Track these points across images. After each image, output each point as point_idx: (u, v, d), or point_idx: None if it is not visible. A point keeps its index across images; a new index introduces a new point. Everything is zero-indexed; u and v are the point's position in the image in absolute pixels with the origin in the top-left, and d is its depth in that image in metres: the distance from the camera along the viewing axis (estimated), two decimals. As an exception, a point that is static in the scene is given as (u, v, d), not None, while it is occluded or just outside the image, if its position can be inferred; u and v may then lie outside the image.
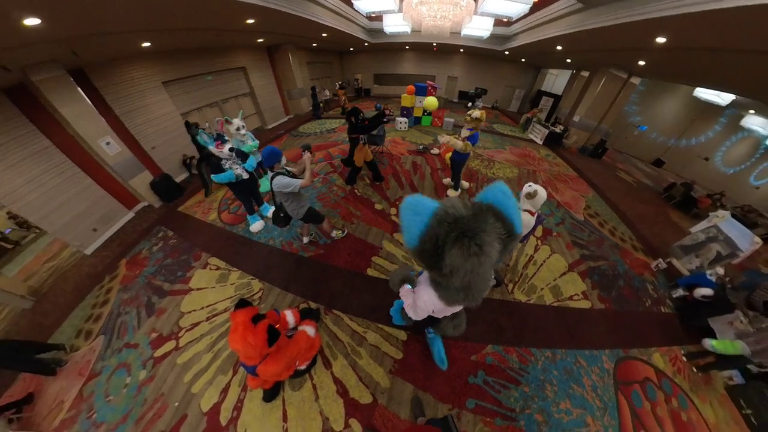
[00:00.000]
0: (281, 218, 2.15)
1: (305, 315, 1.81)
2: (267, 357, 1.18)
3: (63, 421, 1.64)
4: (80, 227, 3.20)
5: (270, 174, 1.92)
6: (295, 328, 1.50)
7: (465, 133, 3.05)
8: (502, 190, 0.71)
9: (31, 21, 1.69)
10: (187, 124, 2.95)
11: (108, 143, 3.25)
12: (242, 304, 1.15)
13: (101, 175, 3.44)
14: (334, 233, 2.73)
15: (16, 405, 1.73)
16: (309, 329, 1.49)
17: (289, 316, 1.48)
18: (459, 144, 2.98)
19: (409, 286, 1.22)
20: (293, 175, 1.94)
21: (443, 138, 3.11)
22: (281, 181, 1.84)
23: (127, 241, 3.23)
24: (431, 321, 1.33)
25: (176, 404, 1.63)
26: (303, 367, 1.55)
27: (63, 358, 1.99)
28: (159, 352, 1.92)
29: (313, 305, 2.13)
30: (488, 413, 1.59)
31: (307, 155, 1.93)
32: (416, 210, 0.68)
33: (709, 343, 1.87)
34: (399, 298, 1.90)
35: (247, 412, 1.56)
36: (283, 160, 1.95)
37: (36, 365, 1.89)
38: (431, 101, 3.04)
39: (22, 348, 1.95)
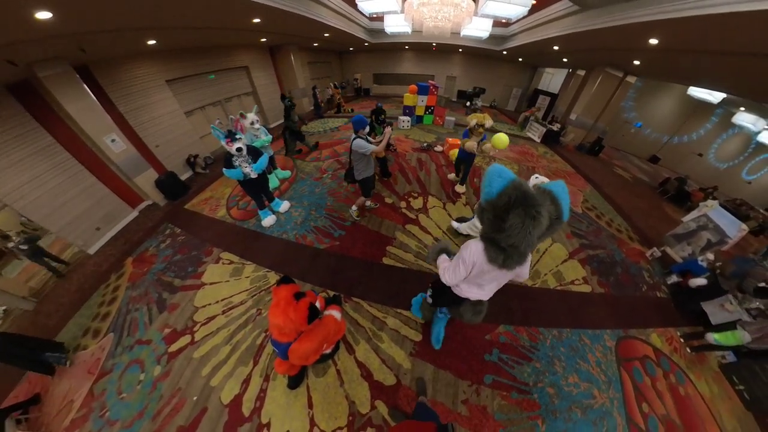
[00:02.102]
0: (351, 176, 2.57)
1: (329, 302, 1.86)
2: (301, 335, 1.23)
3: (74, 420, 1.60)
4: (83, 226, 3.15)
5: (353, 136, 2.29)
6: (321, 313, 1.55)
7: (475, 140, 2.98)
8: (564, 187, 0.90)
9: (43, 15, 1.68)
10: (283, 97, 3.38)
11: (113, 140, 3.22)
12: (286, 280, 1.18)
13: (105, 173, 3.39)
14: (354, 207, 2.95)
15: (22, 406, 1.68)
16: (335, 313, 1.54)
17: (316, 303, 1.53)
18: (492, 148, 2.93)
19: (446, 256, 1.30)
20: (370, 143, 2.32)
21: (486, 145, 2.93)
22: (359, 143, 2.23)
23: (132, 239, 3.20)
24: (452, 303, 1.39)
25: (195, 398, 1.63)
26: (328, 351, 1.60)
27: (68, 356, 1.93)
28: (173, 348, 1.92)
29: (331, 294, 2.18)
30: (504, 387, 1.68)
31: (388, 129, 2.31)
32: (500, 174, 0.85)
33: (712, 337, 1.97)
34: (422, 290, 1.96)
35: (271, 401, 1.56)
36: (366, 129, 2.32)
37: (36, 363, 1.82)
38: (500, 141, 2.67)
39: (23, 343, 1.87)
